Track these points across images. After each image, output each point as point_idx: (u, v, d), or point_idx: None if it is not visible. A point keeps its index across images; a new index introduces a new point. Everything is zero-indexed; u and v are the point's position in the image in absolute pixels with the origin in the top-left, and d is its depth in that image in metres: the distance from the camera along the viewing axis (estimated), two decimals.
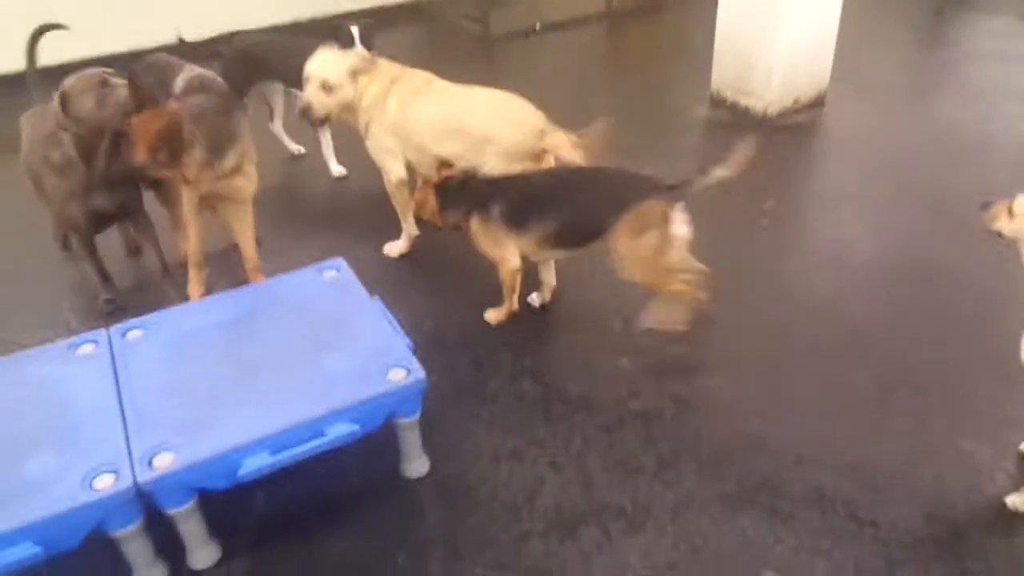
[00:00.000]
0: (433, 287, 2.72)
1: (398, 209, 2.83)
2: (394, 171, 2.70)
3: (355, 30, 3.18)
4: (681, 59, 4.65)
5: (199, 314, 2.01)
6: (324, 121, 2.69)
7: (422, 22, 5.55)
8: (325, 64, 2.59)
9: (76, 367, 1.80)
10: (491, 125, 2.45)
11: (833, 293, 2.58)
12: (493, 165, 2.44)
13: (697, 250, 2.31)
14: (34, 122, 2.52)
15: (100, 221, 2.52)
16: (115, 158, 2.34)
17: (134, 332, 1.90)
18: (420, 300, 2.62)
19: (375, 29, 3.25)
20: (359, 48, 3.10)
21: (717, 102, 3.95)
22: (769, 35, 3.59)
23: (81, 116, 2.27)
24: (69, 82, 2.31)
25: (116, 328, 1.92)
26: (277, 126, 3.67)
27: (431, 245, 2.86)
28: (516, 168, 2.41)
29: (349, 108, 2.62)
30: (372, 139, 2.67)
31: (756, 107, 3.77)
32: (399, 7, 5.52)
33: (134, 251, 2.98)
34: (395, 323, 1.95)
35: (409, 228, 2.88)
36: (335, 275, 2.14)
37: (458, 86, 2.61)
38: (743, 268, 2.71)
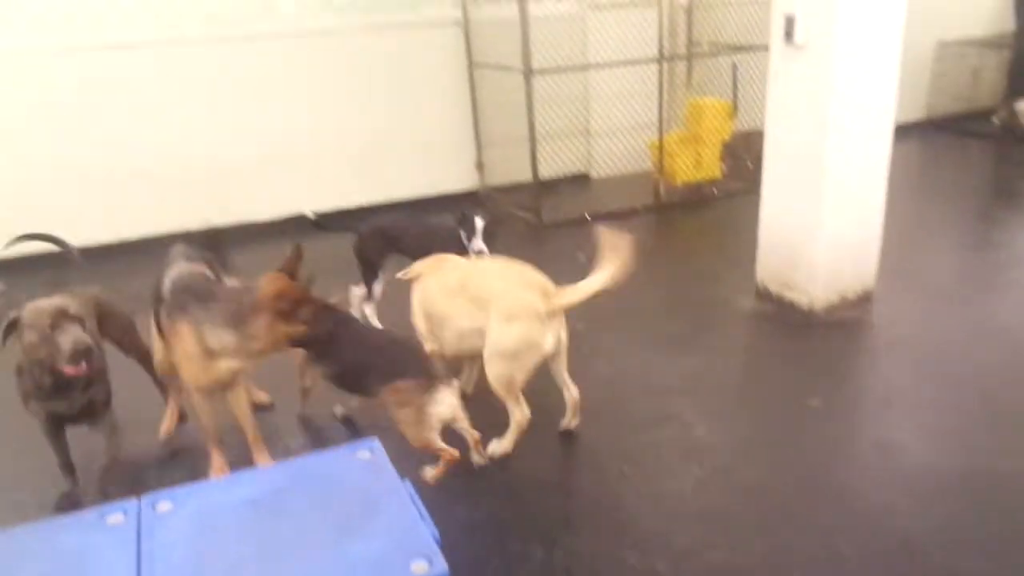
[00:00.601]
0: (471, 470, 2.69)
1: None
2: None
3: (479, 222, 3.42)
4: (727, 252, 4.77)
5: (229, 489, 2.01)
6: None
7: (478, 209, 5.87)
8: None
9: (104, 536, 1.80)
10: (493, 285, 2.62)
11: (883, 500, 2.45)
12: (496, 328, 2.54)
13: (735, 447, 2.26)
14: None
15: (61, 421, 2.54)
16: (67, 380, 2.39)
17: (164, 504, 1.91)
18: (454, 482, 2.58)
19: (498, 224, 3.55)
20: (478, 241, 3.40)
21: (762, 295, 3.99)
22: (812, 231, 3.68)
23: (24, 347, 2.34)
24: (27, 308, 2.35)
25: (147, 498, 1.93)
26: (370, 307, 3.77)
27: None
28: (520, 333, 2.54)
29: None
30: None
31: (801, 302, 3.79)
32: (463, 195, 5.96)
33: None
34: (423, 510, 1.91)
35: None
36: (368, 455, 2.14)
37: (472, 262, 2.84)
38: (787, 469, 2.62)
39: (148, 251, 4.39)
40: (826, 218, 3.63)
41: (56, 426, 2.56)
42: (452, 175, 6.11)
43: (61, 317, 2.34)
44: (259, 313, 2.31)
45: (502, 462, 2.69)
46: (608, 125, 6.38)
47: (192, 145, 5.31)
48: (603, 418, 2.98)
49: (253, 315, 2.32)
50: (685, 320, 3.86)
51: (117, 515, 1.87)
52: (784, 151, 3.77)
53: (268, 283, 2.34)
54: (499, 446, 2.73)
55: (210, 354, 2.39)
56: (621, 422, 2.96)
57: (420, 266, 2.92)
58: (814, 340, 3.56)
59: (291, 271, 2.40)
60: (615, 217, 5.55)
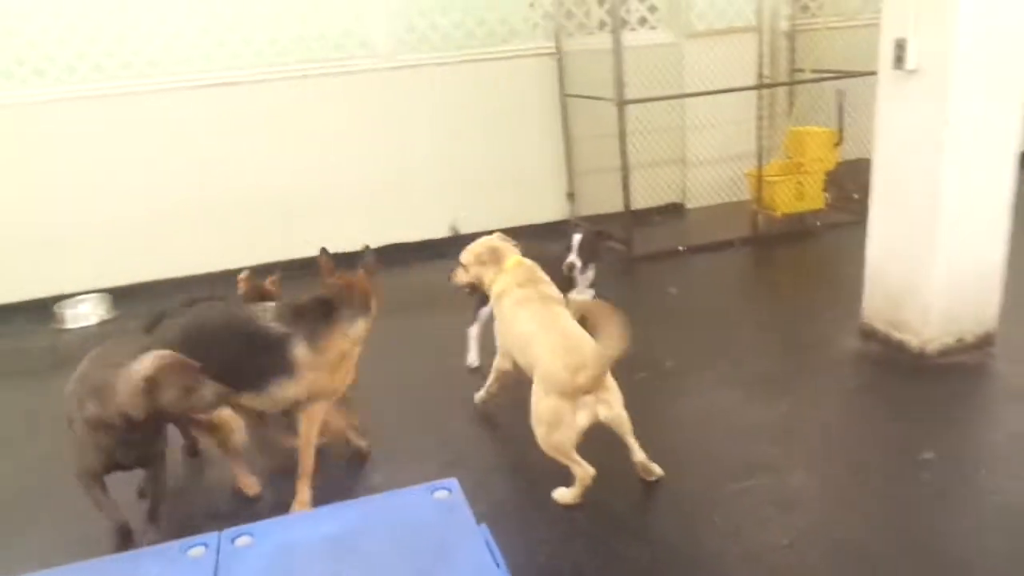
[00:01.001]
0: (554, 513, 2.61)
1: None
2: (500, 359, 3.07)
3: (576, 237, 3.45)
4: (829, 288, 4.53)
5: (309, 526, 2.01)
6: (469, 290, 3.17)
7: (581, 226, 5.81)
8: (471, 245, 3.09)
9: (184, 569, 1.82)
10: (542, 351, 2.62)
11: (1004, 572, 2.22)
12: (534, 397, 2.60)
13: (834, 501, 2.10)
14: (94, 362, 2.56)
15: (114, 468, 2.54)
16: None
17: (243, 539, 1.92)
18: (538, 525, 2.51)
19: (600, 238, 3.58)
20: (573, 255, 3.48)
21: (868, 334, 3.75)
22: (925, 266, 3.43)
23: (156, 403, 2.31)
24: (153, 364, 2.29)
25: (227, 532, 1.95)
26: (475, 330, 3.76)
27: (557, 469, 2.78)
28: (550, 408, 2.53)
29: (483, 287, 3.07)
30: (497, 324, 3.03)
31: (912, 343, 3.54)
32: (553, 225, 5.93)
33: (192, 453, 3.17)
34: (499, 556, 1.85)
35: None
36: (446, 496, 2.10)
37: (553, 310, 2.80)
38: (892, 528, 2.41)
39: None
40: (941, 253, 3.38)
41: (105, 473, 2.55)
42: (542, 205, 6.10)
43: (197, 376, 2.38)
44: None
45: (584, 507, 2.60)
46: (704, 154, 6.24)
47: (286, 178, 5.51)
48: (690, 463, 2.84)
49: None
50: (782, 360, 3.66)
51: (199, 548, 1.89)
52: (894, 181, 3.55)
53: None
54: (564, 495, 2.64)
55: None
56: (710, 468, 2.82)
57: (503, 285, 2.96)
58: (926, 385, 3.30)
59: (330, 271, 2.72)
60: (710, 249, 5.38)
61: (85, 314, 4.99)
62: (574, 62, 5.76)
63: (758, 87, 5.52)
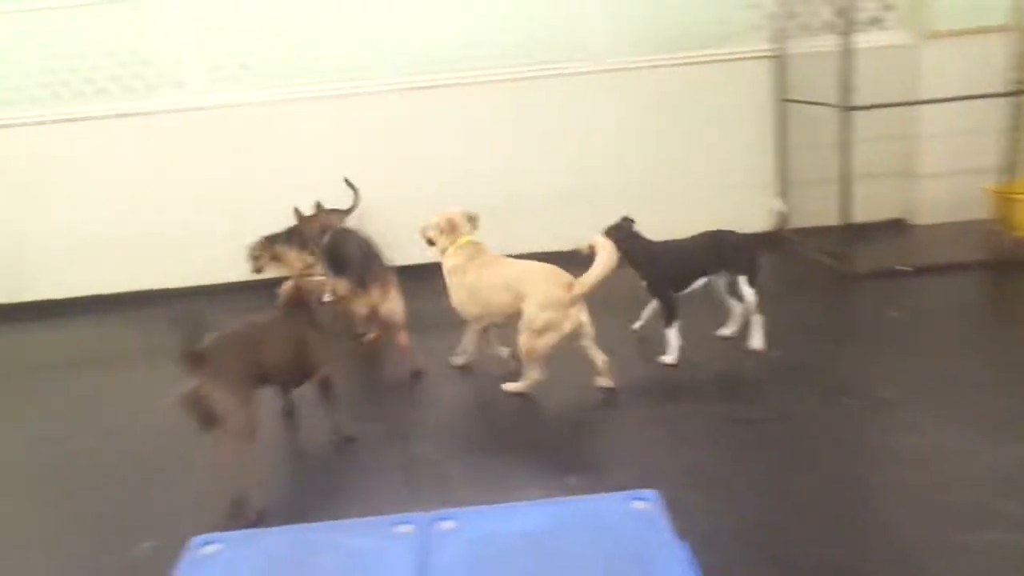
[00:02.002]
0: (758, 546, 2.48)
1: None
2: (471, 319, 3.81)
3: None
4: None
5: (509, 519, 2.05)
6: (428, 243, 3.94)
7: (774, 251, 5.52)
8: (438, 213, 3.85)
9: (390, 544, 1.93)
10: (534, 280, 3.46)
11: None
12: (529, 311, 3.41)
13: None
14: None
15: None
16: None
17: (447, 523, 2.00)
18: (738, 552, 2.40)
19: (756, 249, 3.89)
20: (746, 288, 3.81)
21: None
22: None
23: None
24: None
25: (434, 515, 2.04)
26: (673, 331, 3.80)
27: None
28: (548, 317, 3.37)
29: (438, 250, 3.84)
30: (452, 292, 3.74)
31: None
32: (758, 236, 5.60)
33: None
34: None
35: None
36: (645, 506, 2.06)
37: (512, 261, 3.67)
38: None
39: None
40: None
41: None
42: (748, 214, 5.77)
43: None
44: None
45: (794, 540, 2.44)
46: (936, 166, 5.68)
47: (491, 179, 5.66)
48: (913, 506, 2.58)
49: None
50: (1020, 398, 3.25)
51: (407, 526, 1.99)
52: None
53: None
54: (513, 385, 3.61)
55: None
56: (933, 514, 2.54)
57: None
58: None
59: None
60: (939, 271, 4.89)
61: None
62: (795, 65, 5.47)
63: (1013, 93, 4.93)
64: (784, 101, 5.58)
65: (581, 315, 3.43)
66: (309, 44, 5.55)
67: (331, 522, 2.13)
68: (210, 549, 1.94)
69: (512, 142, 5.67)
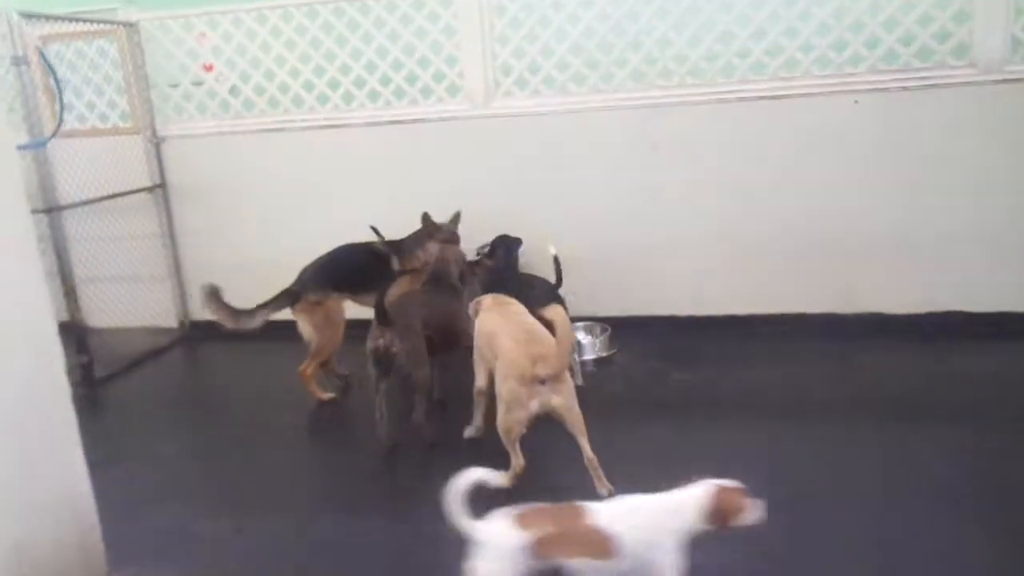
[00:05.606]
0: None
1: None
2: (477, 377, 3.29)
3: None
4: None
5: None
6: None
7: None
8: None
9: None
10: (505, 341, 2.96)
11: None
12: (497, 381, 2.95)
13: None
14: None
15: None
16: None
17: None
18: None
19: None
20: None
21: None
22: None
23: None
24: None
25: None
26: None
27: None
28: (509, 390, 2.85)
29: None
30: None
31: None
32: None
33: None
34: None
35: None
36: None
37: (513, 310, 3.20)
38: None
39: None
40: None
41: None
42: None
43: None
44: None
45: None
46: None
47: (828, 215, 4.39)
48: None
49: None
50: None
51: None
52: None
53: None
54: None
55: None
56: None
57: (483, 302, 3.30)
58: None
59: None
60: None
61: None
62: None
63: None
64: None
65: (554, 398, 2.81)
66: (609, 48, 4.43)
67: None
68: None
69: (880, 167, 4.25)
